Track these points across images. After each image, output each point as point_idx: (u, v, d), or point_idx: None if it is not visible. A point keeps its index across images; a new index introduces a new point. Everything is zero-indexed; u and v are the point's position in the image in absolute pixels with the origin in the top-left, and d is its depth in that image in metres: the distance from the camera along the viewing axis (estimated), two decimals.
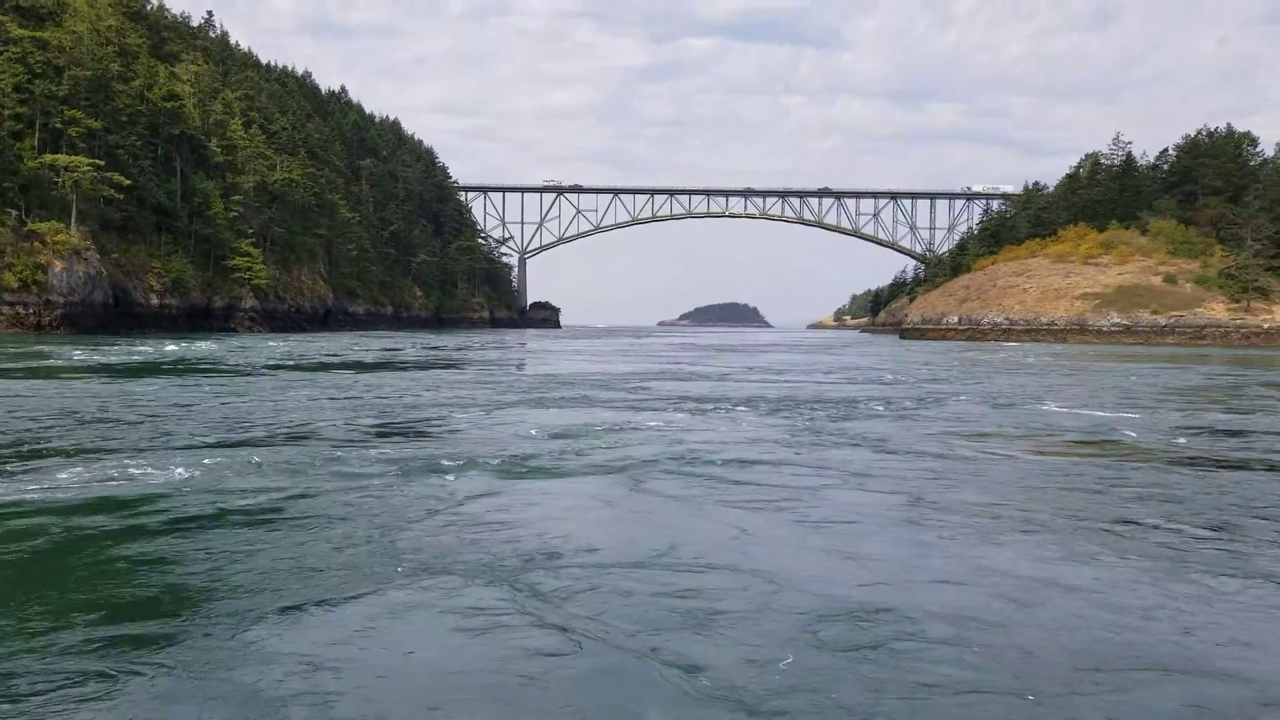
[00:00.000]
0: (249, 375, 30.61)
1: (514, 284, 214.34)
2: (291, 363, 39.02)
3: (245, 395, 22.92)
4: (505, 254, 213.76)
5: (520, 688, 5.64)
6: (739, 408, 22.06)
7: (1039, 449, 16.02)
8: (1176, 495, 11.68)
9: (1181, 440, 17.05)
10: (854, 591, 7.53)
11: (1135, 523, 10.21)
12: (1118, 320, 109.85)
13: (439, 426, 17.29)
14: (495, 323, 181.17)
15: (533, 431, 16.60)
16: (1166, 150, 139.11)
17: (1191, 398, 27.97)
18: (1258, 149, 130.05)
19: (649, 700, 5.48)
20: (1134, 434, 17.86)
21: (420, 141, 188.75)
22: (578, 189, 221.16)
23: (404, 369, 36.86)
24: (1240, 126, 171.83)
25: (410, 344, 68.14)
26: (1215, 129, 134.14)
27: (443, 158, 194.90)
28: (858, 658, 6.12)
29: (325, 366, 37.08)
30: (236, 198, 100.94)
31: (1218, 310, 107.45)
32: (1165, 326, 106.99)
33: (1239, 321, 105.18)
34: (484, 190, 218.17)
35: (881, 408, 22.68)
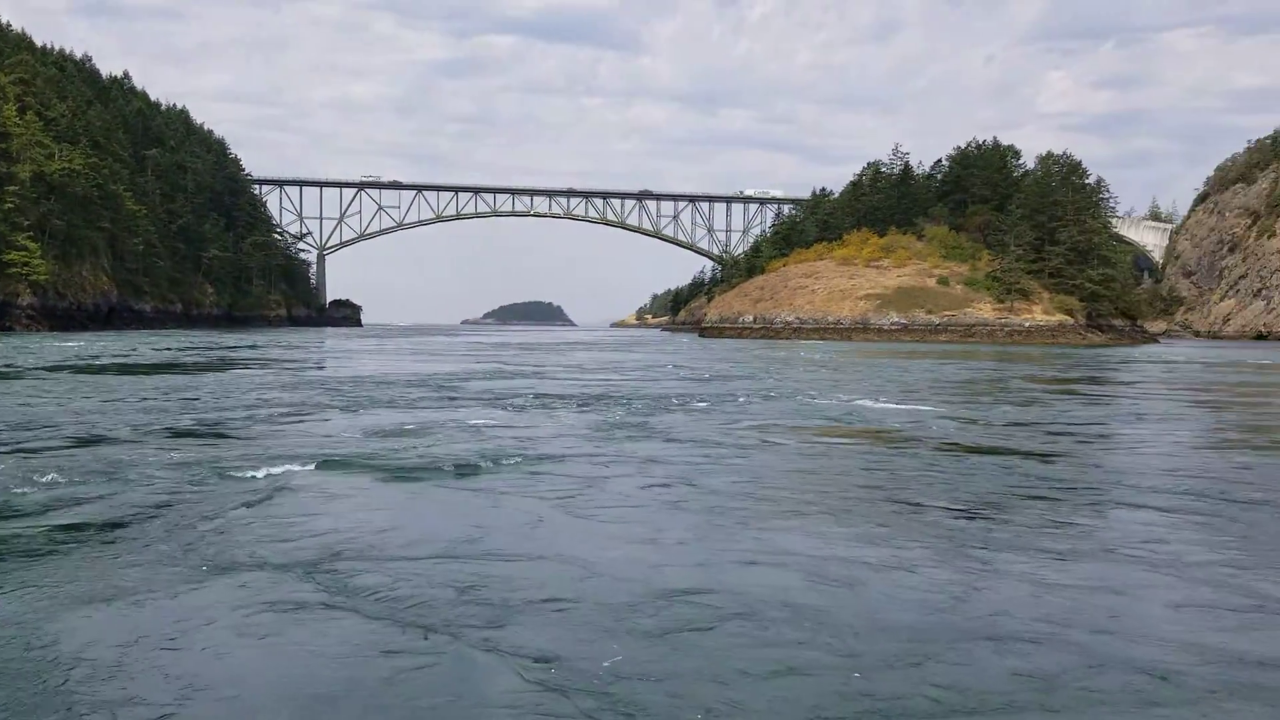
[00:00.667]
0: (32, 378, 29.42)
1: (312, 281, 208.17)
2: (80, 363, 37.49)
3: (31, 398, 22.06)
4: (303, 250, 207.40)
5: (335, 683, 5.55)
6: (552, 404, 22.94)
7: (828, 437, 17.59)
8: (949, 478, 12.94)
9: (952, 427, 19.12)
10: (664, 577, 7.74)
11: (917, 504, 11.05)
12: (897, 319, 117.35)
13: (244, 429, 17.01)
14: (293, 321, 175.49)
15: (343, 432, 16.59)
16: (940, 161, 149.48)
17: (960, 390, 30.86)
18: (1020, 161, 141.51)
19: (478, 693, 5.45)
20: (912, 423, 19.83)
21: (210, 131, 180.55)
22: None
23: (200, 370, 35.81)
24: (1006, 138, 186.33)
25: (204, 343, 65.77)
26: (983, 141, 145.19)
27: (233, 148, 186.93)
28: (682, 643, 6.22)
29: (116, 367, 35.85)
30: (12, 188, 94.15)
31: (985, 310, 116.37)
32: (939, 325, 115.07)
33: (1003, 320, 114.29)
34: (279, 184, 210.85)
35: (685, 402, 24.04)
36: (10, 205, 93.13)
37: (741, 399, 25.51)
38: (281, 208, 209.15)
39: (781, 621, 6.70)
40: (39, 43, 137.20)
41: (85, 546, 8.43)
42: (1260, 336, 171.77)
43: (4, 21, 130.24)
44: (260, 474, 11.95)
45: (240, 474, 11.94)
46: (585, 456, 14.30)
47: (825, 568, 8.16)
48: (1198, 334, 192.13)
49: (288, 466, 12.54)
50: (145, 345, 59.43)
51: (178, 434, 15.98)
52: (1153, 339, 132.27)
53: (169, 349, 54.60)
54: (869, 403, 24.87)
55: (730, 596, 7.23)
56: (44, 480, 11.28)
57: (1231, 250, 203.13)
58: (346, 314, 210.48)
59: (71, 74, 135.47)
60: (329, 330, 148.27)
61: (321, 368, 40.67)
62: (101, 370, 33.90)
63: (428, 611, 6.77)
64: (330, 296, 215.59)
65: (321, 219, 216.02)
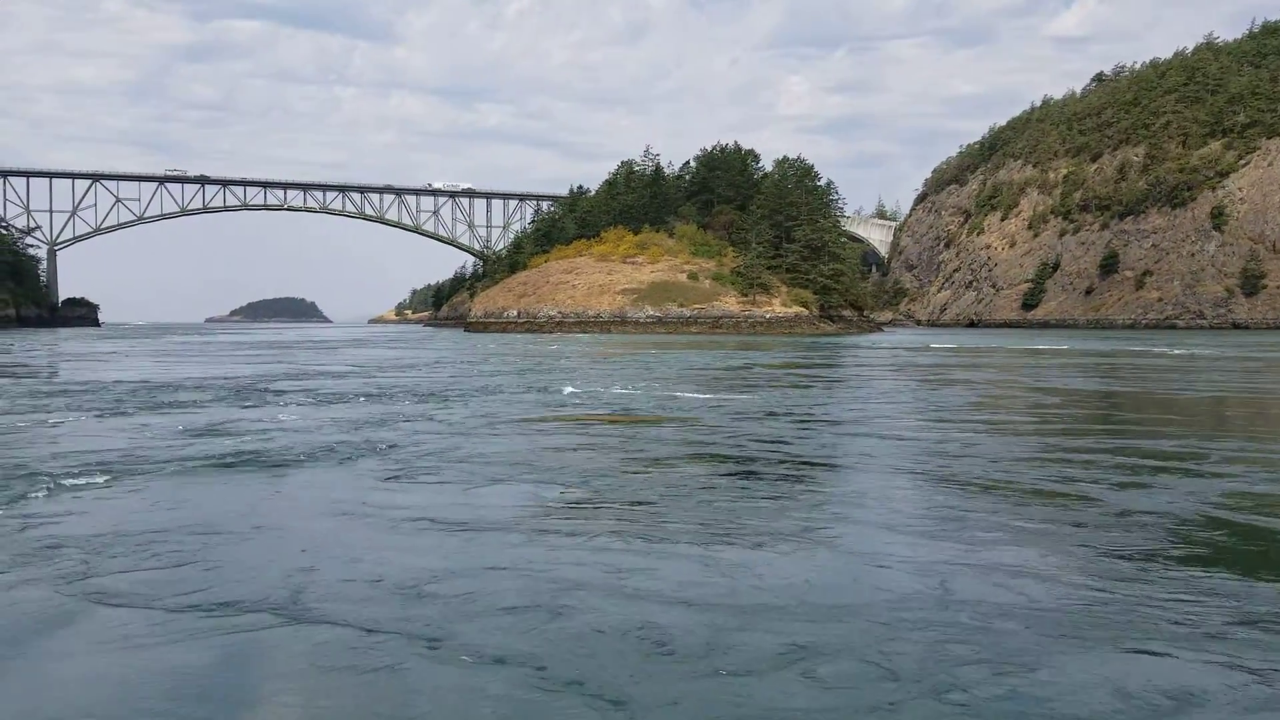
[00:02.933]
0: None
1: (43, 279, 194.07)
2: None
3: None
4: (32, 245, 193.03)
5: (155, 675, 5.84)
6: (336, 402, 23.46)
7: (598, 423, 19.49)
8: (719, 455, 14.62)
9: (714, 409, 22.08)
10: (445, 559, 8.32)
11: (686, 486, 11.90)
12: (652, 312, 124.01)
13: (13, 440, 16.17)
14: (22, 322, 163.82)
15: (129, 438, 16.39)
16: (688, 163, 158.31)
17: (720, 378, 33.90)
18: (760, 164, 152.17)
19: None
20: (679, 407, 22.75)
21: None
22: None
23: None
24: (750, 139, 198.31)
25: None
26: (727, 145, 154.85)
27: None
28: (475, 621, 6.64)
29: None
30: None
31: (731, 303, 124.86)
32: (690, 317, 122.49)
33: (747, 313, 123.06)
34: (3, 174, 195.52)
35: (466, 396, 25.90)
36: None
37: (521, 391, 27.58)
38: (5, 200, 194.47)
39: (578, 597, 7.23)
40: None
41: None
42: (972, 324, 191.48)
43: None
44: (45, 484, 11.75)
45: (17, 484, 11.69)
46: (377, 452, 14.63)
47: (611, 544, 8.82)
48: (919, 322, 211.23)
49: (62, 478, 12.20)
50: None
51: None
52: (877, 327, 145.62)
53: None
54: (638, 390, 27.38)
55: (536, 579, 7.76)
56: None
57: (947, 246, 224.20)
58: (82, 314, 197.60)
59: None
60: (64, 331, 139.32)
61: (60, 374, 37.53)
62: None
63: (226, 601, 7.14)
64: (63, 295, 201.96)
65: (51, 212, 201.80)
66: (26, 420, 19.20)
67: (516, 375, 35.17)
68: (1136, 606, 7.11)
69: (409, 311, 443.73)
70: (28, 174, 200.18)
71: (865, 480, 12.57)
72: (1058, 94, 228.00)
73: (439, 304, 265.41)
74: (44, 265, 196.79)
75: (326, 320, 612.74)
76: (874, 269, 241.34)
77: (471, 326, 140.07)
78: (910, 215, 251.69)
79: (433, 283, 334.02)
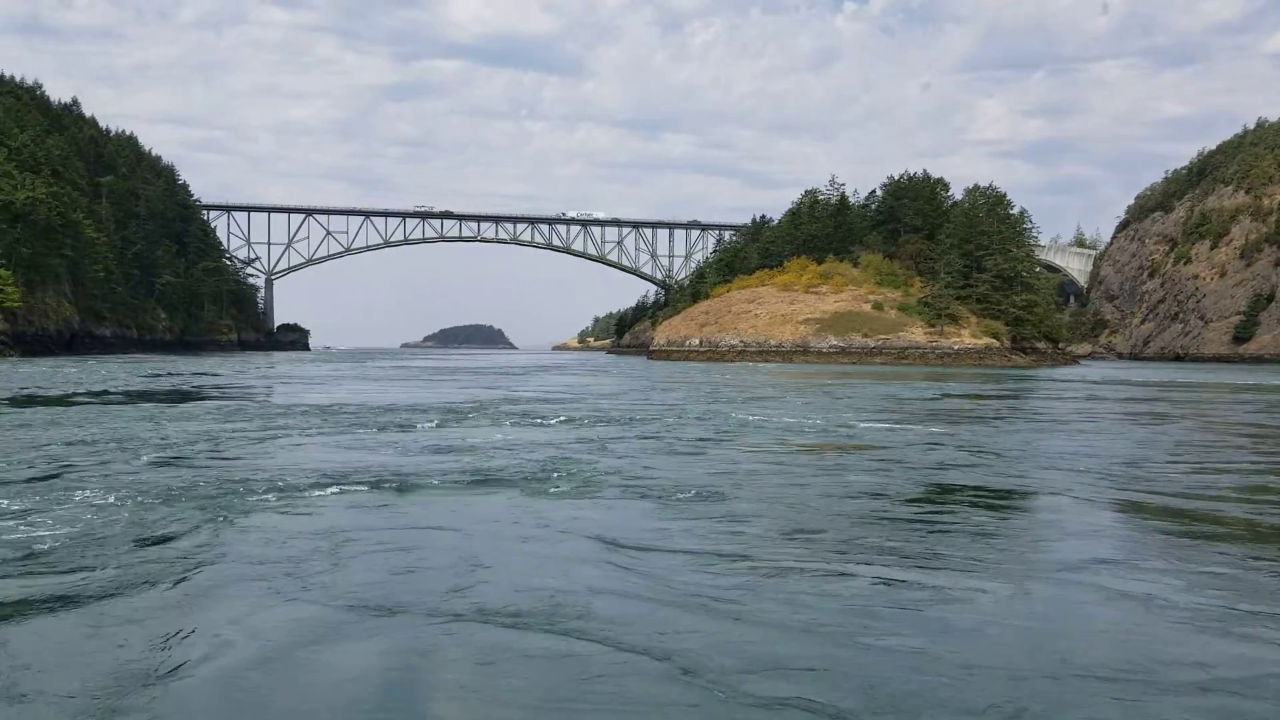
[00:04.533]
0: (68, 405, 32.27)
1: (260, 306, 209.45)
2: (84, 390, 40.23)
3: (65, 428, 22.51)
4: (252, 275, 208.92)
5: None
6: (587, 424, 25.60)
7: (838, 452, 20.88)
8: (900, 478, 15.45)
9: (917, 442, 22.77)
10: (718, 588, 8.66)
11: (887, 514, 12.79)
12: (835, 343, 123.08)
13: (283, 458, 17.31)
14: (243, 345, 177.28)
15: (397, 454, 18.37)
16: (875, 191, 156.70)
17: (895, 408, 33.91)
18: (949, 193, 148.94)
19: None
20: (903, 441, 23.57)
21: (159, 158, 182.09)
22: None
23: (197, 398, 36.78)
24: (940, 165, 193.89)
25: (172, 369, 66.95)
26: (914, 174, 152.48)
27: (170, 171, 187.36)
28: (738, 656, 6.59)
29: (125, 395, 38.55)
30: None
31: (917, 334, 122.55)
32: (874, 348, 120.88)
33: (934, 343, 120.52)
34: (228, 209, 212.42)
35: (644, 422, 26.55)
36: None
37: (705, 418, 28.40)
38: (229, 233, 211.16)
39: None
40: None
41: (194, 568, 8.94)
42: (1178, 357, 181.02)
43: None
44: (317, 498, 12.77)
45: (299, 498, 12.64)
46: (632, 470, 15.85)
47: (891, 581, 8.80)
48: (1120, 355, 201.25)
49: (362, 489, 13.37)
50: (125, 371, 61.18)
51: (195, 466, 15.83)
52: (1073, 360, 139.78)
53: (151, 376, 56.35)
54: (820, 419, 27.71)
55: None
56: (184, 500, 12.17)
57: (1151, 275, 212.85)
58: (294, 338, 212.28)
59: (26, 102, 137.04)
60: (278, 355, 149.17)
61: (289, 395, 39.92)
62: (100, 400, 36.60)
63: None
64: (278, 320, 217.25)
65: (269, 244, 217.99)
66: (268, 437, 21.06)
67: (699, 403, 35.81)
68: None
69: (591, 339, 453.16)
70: (249, 209, 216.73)
71: (1083, 514, 12.21)
72: (1273, 115, 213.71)
73: (621, 332, 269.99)
74: (262, 293, 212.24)
75: (513, 346, 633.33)
76: (1072, 299, 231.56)
77: (654, 354, 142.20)
78: (1111, 243, 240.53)
79: (614, 310, 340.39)
